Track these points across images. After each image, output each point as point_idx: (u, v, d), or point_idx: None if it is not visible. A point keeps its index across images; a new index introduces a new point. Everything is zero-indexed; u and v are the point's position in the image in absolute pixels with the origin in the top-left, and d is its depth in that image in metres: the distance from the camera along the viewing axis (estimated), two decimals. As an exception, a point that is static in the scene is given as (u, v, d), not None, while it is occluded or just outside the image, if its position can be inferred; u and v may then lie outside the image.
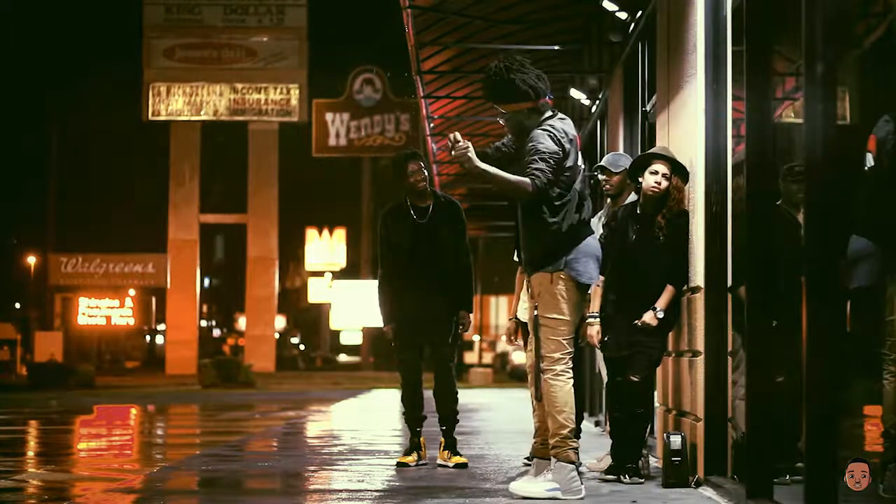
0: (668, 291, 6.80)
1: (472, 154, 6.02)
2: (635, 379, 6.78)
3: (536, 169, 6.02)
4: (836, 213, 4.72)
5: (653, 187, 6.75)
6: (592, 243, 6.17)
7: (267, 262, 53.42)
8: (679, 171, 6.82)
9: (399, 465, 7.88)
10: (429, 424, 8.16)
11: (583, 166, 6.28)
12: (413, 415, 8.00)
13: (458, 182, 21.00)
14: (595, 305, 6.88)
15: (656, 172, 6.78)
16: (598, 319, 6.90)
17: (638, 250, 6.81)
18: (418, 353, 8.03)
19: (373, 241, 62.36)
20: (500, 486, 6.63)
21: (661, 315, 6.72)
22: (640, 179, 6.83)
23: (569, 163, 6.11)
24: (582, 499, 5.95)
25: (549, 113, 6.22)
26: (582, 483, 6.05)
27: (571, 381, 6.09)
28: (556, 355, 6.09)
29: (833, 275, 4.72)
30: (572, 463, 5.99)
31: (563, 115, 6.33)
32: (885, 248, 5.50)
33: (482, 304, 55.04)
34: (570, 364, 6.12)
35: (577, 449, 6.05)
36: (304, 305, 71.38)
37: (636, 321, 6.72)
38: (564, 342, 6.10)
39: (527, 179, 6.02)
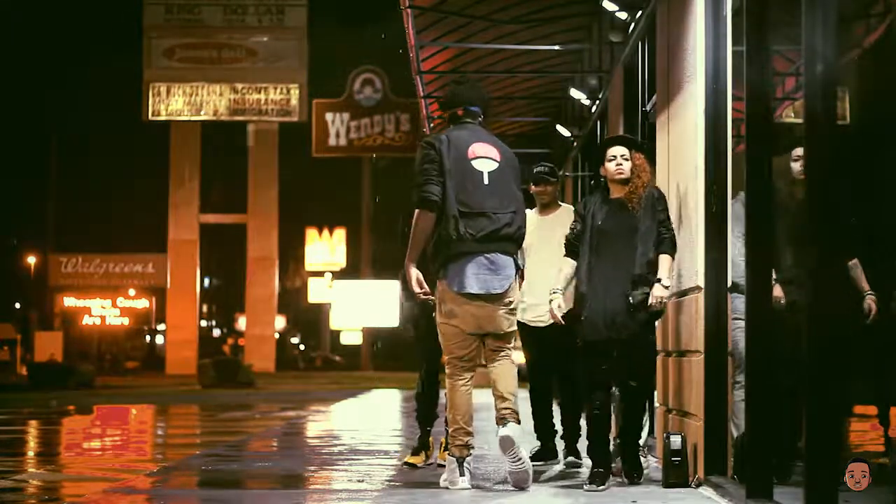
0: (665, 260, 6.59)
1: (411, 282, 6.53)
2: (633, 384, 6.70)
3: (415, 191, 6.46)
4: (836, 213, 4.72)
5: (616, 172, 6.66)
6: (468, 260, 6.42)
7: (267, 262, 53.46)
8: (637, 147, 6.76)
9: (407, 465, 7.74)
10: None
11: (482, 177, 6.46)
12: (432, 411, 7.87)
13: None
14: (559, 283, 6.77)
15: (613, 158, 6.69)
16: (557, 294, 6.78)
17: (613, 234, 6.60)
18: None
19: (373, 241, 62.44)
20: (499, 487, 6.63)
21: (667, 284, 6.52)
22: (603, 171, 6.76)
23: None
24: (466, 488, 6.43)
25: (463, 122, 6.69)
26: (465, 474, 6.43)
27: (461, 382, 6.53)
28: (446, 358, 6.65)
29: (834, 276, 4.71)
30: (454, 457, 6.48)
31: (471, 127, 6.66)
32: None
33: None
34: (463, 367, 6.54)
35: (465, 444, 6.47)
36: (304, 305, 71.38)
37: (649, 300, 6.46)
38: (454, 347, 6.54)
39: (417, 211, 6.47)
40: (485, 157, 6.52)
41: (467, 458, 6.52)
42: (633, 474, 6.74)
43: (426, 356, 7.82)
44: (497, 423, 6.50)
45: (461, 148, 6.51)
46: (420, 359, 7.92)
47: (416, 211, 6.45)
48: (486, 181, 6.47)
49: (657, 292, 6.47)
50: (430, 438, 7.91)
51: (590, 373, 6.63)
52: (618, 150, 6.70)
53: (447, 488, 6.47)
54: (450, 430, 6.56)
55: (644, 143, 6.85)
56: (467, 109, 6.72)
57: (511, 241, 6.54)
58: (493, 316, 6.54)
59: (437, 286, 6.57)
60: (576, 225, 6.79)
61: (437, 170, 6.43)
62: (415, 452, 7.85)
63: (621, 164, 6.65)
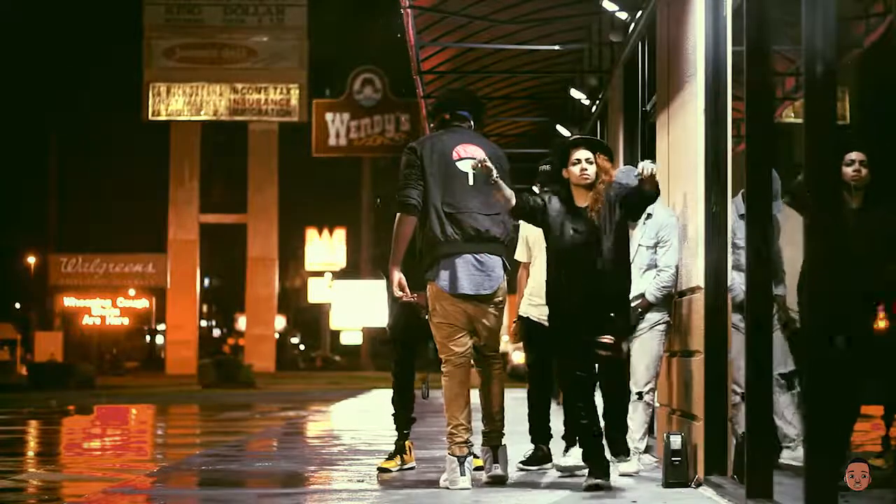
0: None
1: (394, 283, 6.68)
2: (607, 340, 6.28)
3: (396, 195, 6.63)
4: (836, 214, 4.72)
5: (581, 178, 6.36)
6: (458, 261, 6.52)
7: (267, 262, 53.45)
8: (601, 150, 6.45)
9: (380, 469, 7.51)
10: (427, 425, 8.15)
11: (467, 178, 6.53)
12: (408, 415, 7.75)
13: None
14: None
15: (578, 161, 6.37)
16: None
17: (578, 246, 6.33)
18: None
19: (373, 241, 62.45)
20: (498, 487, 6.63)
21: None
22: (566, 174, 6.44)
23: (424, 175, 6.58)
24: (467, 488, 6.43)
25: (451, 126, 6.78)
26: (465, 473, 6.46)
27: (458, 379, 6.58)
28: (442, 357, 6.67)
29: (832, 276, 4.71)
30: (454, 456, 6.48)
31: (458, 130, 6.75)
32: None
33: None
34: (459, 364, 6.61)
35: (465, 442, 6.50)
36: (304, 305, 71.39)
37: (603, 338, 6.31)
38: (449, 345, 6.61)
39: (398, 215, 6.62)
40: (470, 158, 6.60)
41: (468, 458, 6.51)
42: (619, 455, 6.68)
43: (402, 359, 7.78)
44: (485, 446, 6.76)
45: (445, 150, 6.62)
46: (395, 362, 7.87)
47: (397, 215, 6.60)
48: (470, 182, 6.57)
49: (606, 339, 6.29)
50: (407, 443, 7.66)
51: (569, 382, 6.49)
52: (582, 154, 6.39)
53: (447, 488, 6.47)
54: (448, 429, 6.57)
55: (607, 145, 6.68)
56: (455, 113, 6.83)
57: (498, 243, 6.64)
58: (484, 314, 6.66)
59: (429, 287, 6.65)
60: (533, 199, 6.49)
61: (418, 174, 6.56)
62: (390, 457, 7.63)
63: (586, 169, 6.36)
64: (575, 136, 6.60)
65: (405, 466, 7.57)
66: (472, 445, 6.59)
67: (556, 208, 6.46)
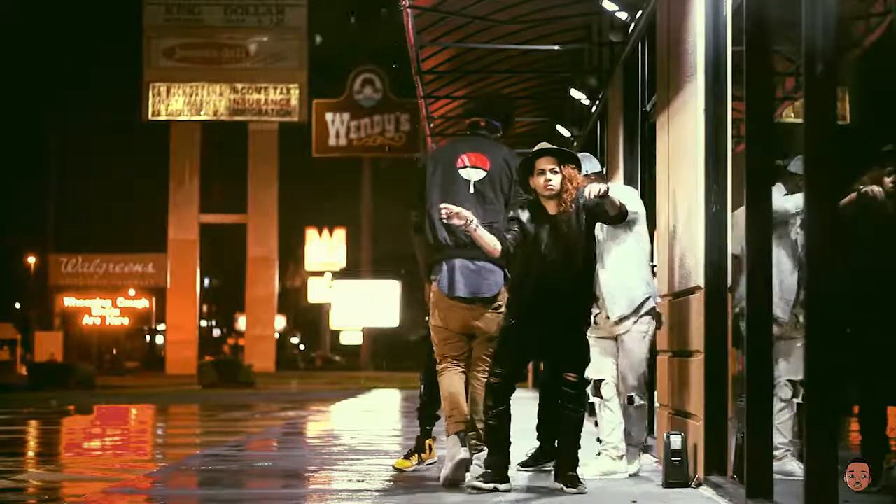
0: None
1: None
2: (572, 378, 6.41)
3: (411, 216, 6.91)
4: (836, 214, 4.73)
5: (547, 188, 6.31)
6: (454, 264, 6.61)
7: (267, 262, 53.48)
8: (568, 160, 6.38)
9: (395, 469, 7.56)
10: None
11: (468, 186, 6.63)
12: (434, 410, 7.68)
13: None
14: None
15: (543, 172, 6.31)
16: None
17: (555, 258, 6.29)
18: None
19: (373, 241, 62.46)
20: (497, 486, 6.62)
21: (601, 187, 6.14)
22: (532, 184, 6.38)
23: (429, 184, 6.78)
24: (462, 460, 6.45)
25: (475, 132, 6.95)
26: (465, 445, 6.49)
27: (453, 372, 6.69)
28: (438, 358, 6.79)
29: (832, 275, 4.71)
30: (453, 434, 6.54)
31: (476, 138, 6.88)
32: None
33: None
34: (455, 363, 6.71)
35: (462, 421, 6.57)
36: (304, 305, 71.41)
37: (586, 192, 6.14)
38: (446, 348, 6.73)
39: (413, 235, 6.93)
40: (474, 167, 6.72)
41: (466, 433, 6.54)
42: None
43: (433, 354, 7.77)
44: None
45: (452, 157, 6.77)
46: (427, 356, 7.84)
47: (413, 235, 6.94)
48: (471, 190, 6.66)
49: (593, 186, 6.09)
50: (428, 441, 7.66)
51: (489, 383, 6.46)
52: (546, 163, 6.33)
53: (448, 472, 6.48)
54: (445, 415, 6.66)
55: (573, 152, 6.61)
56: (488, 121, 6.98)
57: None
58: (481, 318, 6.69)
59: (430, 289, 6.77)
60: (514, 230, 6.39)
61: (421, 190, 6.79)
62: (407, 455, 7.65)
63: (550, 180, 6.29)
64: (539, 147, 6.43)
65: (427, 463, 7.57)
66: (469, 427, 6.57)
67: (529, 218, 6.39)
